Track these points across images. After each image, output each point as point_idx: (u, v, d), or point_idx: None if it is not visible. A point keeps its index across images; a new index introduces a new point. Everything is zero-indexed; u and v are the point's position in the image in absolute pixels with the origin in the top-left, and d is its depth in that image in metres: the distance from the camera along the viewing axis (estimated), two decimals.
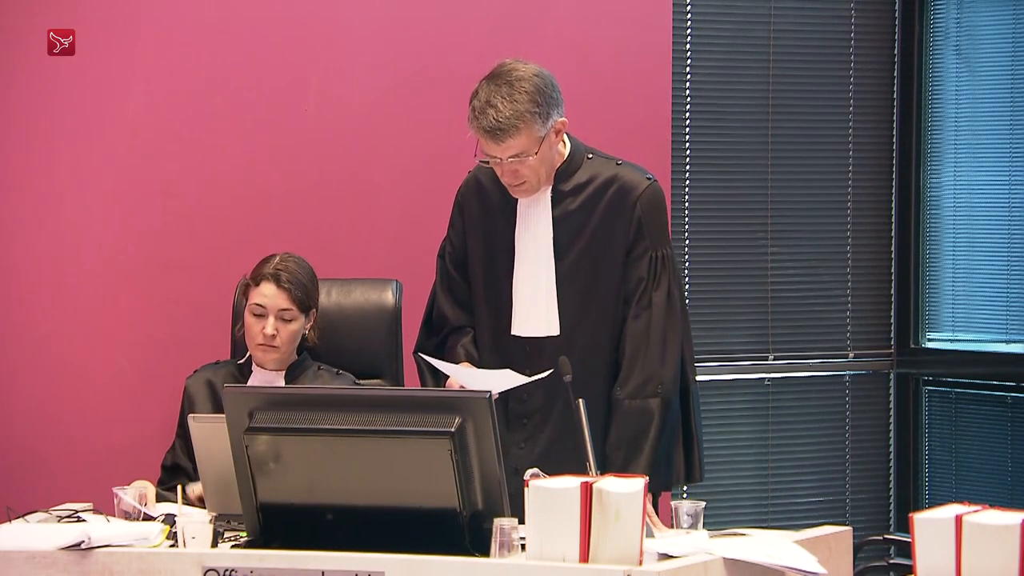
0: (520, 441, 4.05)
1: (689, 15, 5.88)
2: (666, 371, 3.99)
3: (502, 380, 3.92)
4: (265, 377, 4.26)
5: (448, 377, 4.03)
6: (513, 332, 4.07)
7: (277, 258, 4.29)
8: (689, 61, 5.89)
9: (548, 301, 4.03)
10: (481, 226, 4.13)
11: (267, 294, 4.23)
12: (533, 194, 4.03)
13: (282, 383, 4.26)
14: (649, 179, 4.06)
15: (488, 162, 3.96)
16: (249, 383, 4.25)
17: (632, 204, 4.02)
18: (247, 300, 4.27)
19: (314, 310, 4.31)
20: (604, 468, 3.83)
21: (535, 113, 3.89)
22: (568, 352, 3.96)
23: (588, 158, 4.07)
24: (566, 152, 4.06)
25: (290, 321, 4.24)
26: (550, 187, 4.05)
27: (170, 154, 5.20)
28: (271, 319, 4.22)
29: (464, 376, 3.97)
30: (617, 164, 4.07)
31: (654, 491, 3.93)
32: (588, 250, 4.03)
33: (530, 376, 3.92)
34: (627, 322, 4.01)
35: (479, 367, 4.08)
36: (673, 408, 4.00)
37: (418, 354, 4.17)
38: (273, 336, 4.21)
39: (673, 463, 4.03)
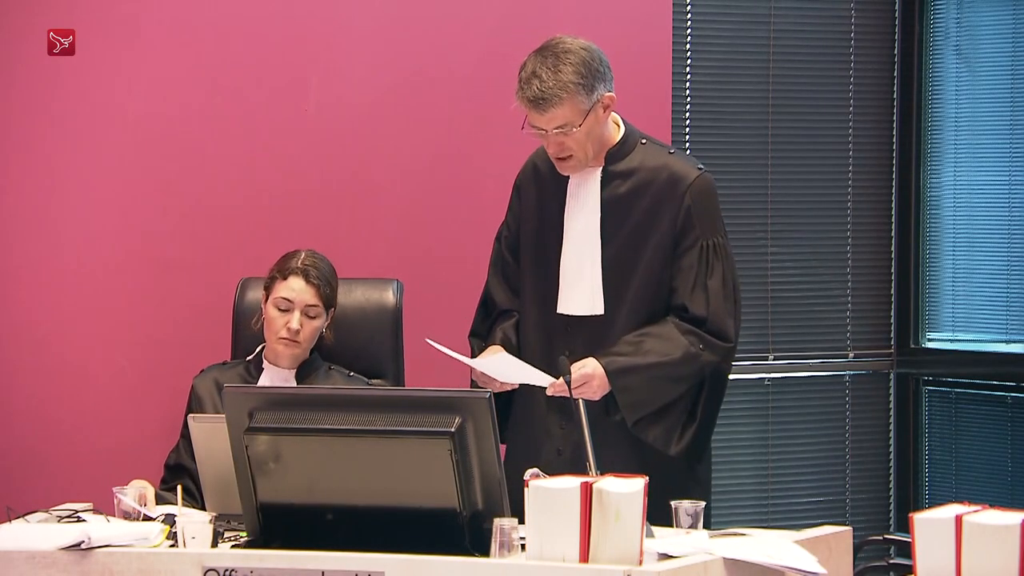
0: (560, 422, 4.06)
1: (689, 15, 5.88)
2: (720, 348, 4.03)
3: (513, 371, 3.94)
4: (277, 375, 4.26)
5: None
6: (558, 310, 4.10)
7: (303, 254, 4.30)
8: (689, 61, 5.89)
9: (593, 280, 4.06)
10: (534, 208, 4.17)
11: (295, 288, 4.23)
12: (580, 170, 4.06)
13: (293, 382, 4.26)
14: (700, 169, 4.09)
15: (535, 134, 3.99)
16: (260, 381, 4.26)
17: (682, 193, 4.04)
18: (269, 293, 4.26)
19: (333, 308, 4.32)
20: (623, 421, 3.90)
21: (579, 84, 3.93)
22: (609, 333, 4.03)
23: (642, 143, 4.12)
24: (619, 135, 4.10)
25: (314, 318, 4.24)
26: (600, 168, 4.08)
27: (170, 154, 5.21)
28: (297, 314, 4.22)
29: (484, 365, 3.99)
30: (669, 153, 4.12)
31: (613, 388, 3.94)
32: (634, 235, 4.05)
33: (540, 373, 3.93)
34: (687, 311, 4.03)
35: (518, 349, 4.11)
36: (695, 368, 4.01)
37: (470, 332, 4.25)
38: (297, 331, 4.21)
39: (650, 403, 4.01)
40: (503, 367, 3.97)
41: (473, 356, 4.18)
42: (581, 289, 4.08)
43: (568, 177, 4.11)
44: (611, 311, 4.05)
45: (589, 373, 3.93)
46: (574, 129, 3.95)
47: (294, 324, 4.21)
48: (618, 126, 4.11)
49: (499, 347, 4.12)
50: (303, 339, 4.23)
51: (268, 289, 4.29)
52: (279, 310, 4.23)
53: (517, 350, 4.12)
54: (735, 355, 4.13)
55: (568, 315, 4.09)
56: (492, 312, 4.25)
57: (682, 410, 4.05)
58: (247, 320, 4.46)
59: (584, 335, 4.06)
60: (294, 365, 4.27)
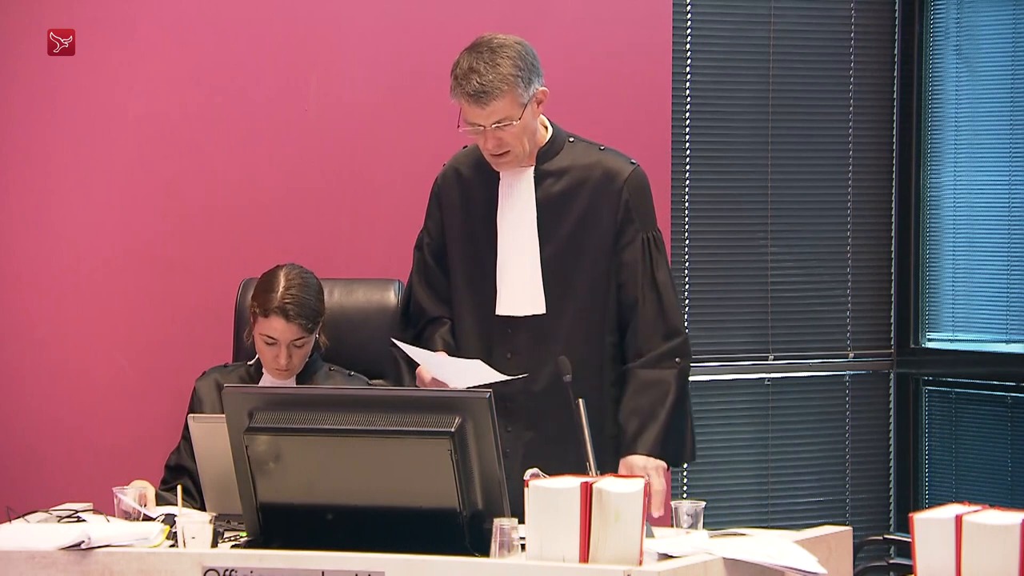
0: (506, 424, 4.05)
1: (689, 15, 5.88)
2: (682, 345, 4.03)
3: (474, 373, 3.91)
4: (277, 380, 4.25)
5: (418, 365, 4.02)
6: (498, 312, 4.07)
7: (281, 284, 4.19)
8: (689, 61, 5.89)
9: (533, 279, 4.05)
10: (461, 213, 4.15)
11: (277, 328, 4.17)
12: (516, 166, 4.04)
13: (294, 384, 4.25)
14: (633, 164, 4.09)
15: (472, 132, 3.97)
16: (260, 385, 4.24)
17: (619, 189, 4.04)
18: (254, 322, 4.22)
19: (321, 322, 4.29)
20: (618, 437, 3.89)
21: (518, 77, 3.92)
22: (552, 332, 4.01)
23: (570, 141, 4.11)
24: (548, 135, 4.09)
25: (302, 346, 4.21)
26: (532, 168, 4.06)
27: (170, 154, 5.20)
28: (283, 349, 4.19)
29: (435, 365, 3.96)
30: (600, 149, 4.11)
31: (665, 458, 3.95)
32: (573, 233, 4.05)
33: (504, 376, 3.91)
34: (636, 301, 4.02)
35: (456, 356, 4.08)
36: (686, 380, 4.02)
37: (393, 343, 4.16)
38: (287, 363, 4.19)
39: (685, 439, 4.03)
40: (459, 371, 3.93)
41: (398, 368, 4.13)
42: (522, 290, 4.05)
43: (496, 179, 4.08)
44: (553, 310, 4.03)
45: (642, 466, 3.91)
46: (513, 123, 3.93)
47: (282, 361, 4.17)
48: (546, 127, 4.09)
49: (443, 352, 4.08)
50: (294, 367, 4.21)
51: (253, 317, 4.23)
52: (266, 344, 4.20)
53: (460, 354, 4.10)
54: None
55: (508, 316, 4.07)
56: (417, 321, 4.19)
57: (681, 419, 4.05)
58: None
59: (526, 335, 4.04)
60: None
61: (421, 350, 4.00)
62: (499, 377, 3.87)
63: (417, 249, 4.24)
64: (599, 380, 4.04)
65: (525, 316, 4.05)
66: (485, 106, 3.91)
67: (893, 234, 6.19)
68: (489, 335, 4.07)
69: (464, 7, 5.44)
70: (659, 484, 3.85)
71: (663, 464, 3.94)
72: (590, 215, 4.04)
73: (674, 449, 4.01)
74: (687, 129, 5.90)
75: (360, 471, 3.37)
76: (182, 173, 5.22)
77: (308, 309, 4.20)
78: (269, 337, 4.18)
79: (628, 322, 4.05)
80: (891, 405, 6.22)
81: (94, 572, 3.36)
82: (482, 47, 3.96)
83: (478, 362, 3.92)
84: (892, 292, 6.21)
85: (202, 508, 3.83)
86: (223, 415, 3.46)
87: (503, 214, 4.08)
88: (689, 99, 5.89)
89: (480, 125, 3.94)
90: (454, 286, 4.15)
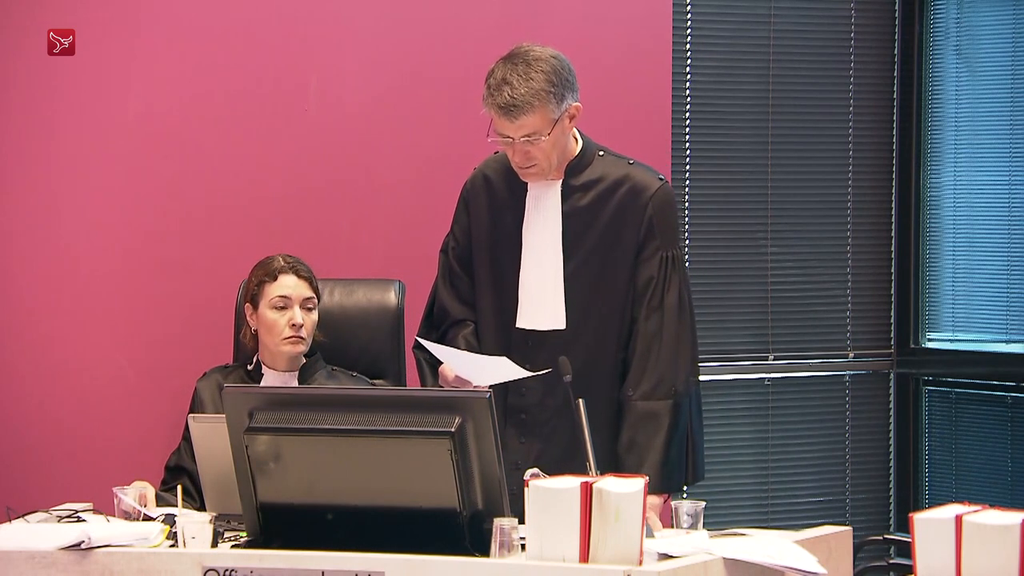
0: (519, 435, 4.05)
1: (689, 15, 5.88)
2: (678, 373, 4.00)
3: (497, 370, 3.91)
4: (277, 379, 4.25)
5: (441, 364, 4.02)
6: (518, 324, 4.06)
7: (278, 255, 4.32)
8: (689, 61, 5.89)
9: (555, 294, 4.03)
10: (487, 220, 4.13)
11: (290, 284, 4.25)
12: (543, 179, 4.03)
13: (295, 384, 4.25)
14: (661, 179, 4.07)
15: (501, 142, 3.96)
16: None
17: (644, 204, 4.02)
18: (260, 299, 4.25)
19: (319, 300, 4.34)
20: (616, 469, 3.84)
21: (550, 93, 3.90)
22: (572, 347, 3.98)
23: (599, 155, 4.09)
24: (578, 147, 4.07)
25: (311, 310, 4.27)
26: (560, 180, 4.05)
27: (170, 155, 5.20)
28: (297, 309, 4.23)
29: (458, 362, 3.95)
30: (629, 163, 4.09)
31: (666, 491, 3.95)
32: (597, 248, 4.03)
33: (528, 371, 3.91)
34: (638, 322, 4.01)
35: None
36: (684, 410, 3.99)
37: (416, 344, 4.16)
38: (301, 326, 4.22)
39: (684, 465, 4.02)
40: (484, 368, 3.93)
41: (421, 370, 4.14)
42: (542, 304, 4.04)
43: (524, 190, 4.07)
44: (573, 326, 4.02)
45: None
46: (542, 138, 3.92)
47: (297, 318, 4.22)
48: (576, 139, 4.08)
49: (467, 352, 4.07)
50: (306, 334, 4.24)
51: (256, 296, 4.28)
52: (278, 309, 4.23)
53: None
54: (697, 363, 4.09)
55: (528, 330, 4.06)
56: (441, 323, 4.19)
57: (680, 447, 4.03)
58: (245, 319, 4.45)
59: (546, 350, 4.01)
60: (295, 367, 4.27)
61: (444, 347, 3.99)
62: (524, 373, 3.87)
63: (443, 253, 4.24)
64: (615, 395, 4.02)
65: (545, 330, 4.04)
66: (515, 119, 3.90)
67: (893, 234, 6.19)
68: (509, 346, 4.05)
69: (464, 7, 5.44)
70: (656, 524, 3.82)
71: (660, 502, 3.92)
72: (614, 230, 4.03)
73: (675, 480, 3.99)
74: (687, 129, 5.90)
75: (360, 471, 3.37)
76: (182, 173, 5.22)
77: (310, 271, 4.30)
78: (283, 298, 4.23)
79: (630, 343, 4.02)
80: (891, 405, 6.22)
81: (94, 572, 3.36)
82: (517, 58, 3.94)
83: (503, 359, 3.91)
84: (892, 292, 6.21)
85: (202, 508, 3.83)
86: (223, 415, 3.46)
87: (529, 226, 4.07)
88: (689, 99, 5.90)
89: (509, 137, 3.93)
90: (477, 294, 4.14)
